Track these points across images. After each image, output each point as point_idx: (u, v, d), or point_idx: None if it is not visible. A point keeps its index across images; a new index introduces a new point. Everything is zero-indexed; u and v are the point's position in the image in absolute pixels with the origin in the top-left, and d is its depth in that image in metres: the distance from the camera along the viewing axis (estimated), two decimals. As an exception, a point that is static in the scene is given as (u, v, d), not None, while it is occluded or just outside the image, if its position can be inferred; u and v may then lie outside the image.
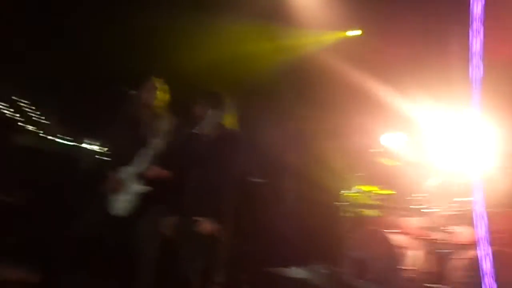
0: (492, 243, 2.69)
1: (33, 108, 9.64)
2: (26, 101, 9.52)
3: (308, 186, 5.03)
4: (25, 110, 9.56)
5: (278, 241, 5.03)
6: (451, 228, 3.74)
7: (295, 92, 5.47)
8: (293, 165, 5.16)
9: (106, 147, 3.42)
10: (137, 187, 3.08)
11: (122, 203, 3.08)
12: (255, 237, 4.96)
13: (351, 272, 4.18)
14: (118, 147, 3.22)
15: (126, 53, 5.07)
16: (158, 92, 3.23)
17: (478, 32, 2.65)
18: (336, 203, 4.65)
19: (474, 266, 2.96)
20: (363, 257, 4.11)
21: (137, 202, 3.06)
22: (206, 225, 2.88)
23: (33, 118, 9.41)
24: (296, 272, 4.57)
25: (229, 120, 3.11)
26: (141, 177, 3.08)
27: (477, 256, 2.77)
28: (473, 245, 3.04)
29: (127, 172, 3.12)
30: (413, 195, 4.18)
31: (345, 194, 4.67)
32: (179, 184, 3.08)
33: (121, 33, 4.89)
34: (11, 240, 4.36)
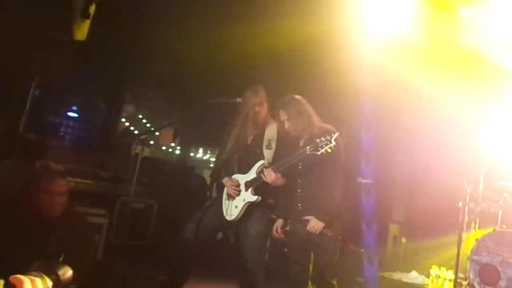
0: None
1: (147, 119, 10.59)
2: (142, 113, 10.50)
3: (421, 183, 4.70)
4: (142, 123, 10.56)
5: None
6: None
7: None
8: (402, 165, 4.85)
9: (218, 156, 3.55)
10: (248, 195, 3.13)
11: (234, 208, 3.18)
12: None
13: (476, 279, 3.81)
14: (228, 155, 3.31)
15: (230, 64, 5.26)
16: (263, 99, 3.24)
17: None
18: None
19: None
20: (493, 261, 3.73)
21: (247, 207, 3.13)
22: (314, 223, 2.87)
23: (149, 129, 10.30)
24: (415, 276, 4.31)
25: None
26: (252, 185, 3.12)
27: None
28: None
29: (238, 179, 3.21)
30: None
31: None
32: (287, 190, 3.09)
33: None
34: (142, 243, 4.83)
